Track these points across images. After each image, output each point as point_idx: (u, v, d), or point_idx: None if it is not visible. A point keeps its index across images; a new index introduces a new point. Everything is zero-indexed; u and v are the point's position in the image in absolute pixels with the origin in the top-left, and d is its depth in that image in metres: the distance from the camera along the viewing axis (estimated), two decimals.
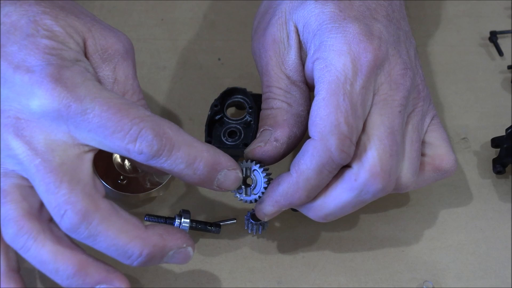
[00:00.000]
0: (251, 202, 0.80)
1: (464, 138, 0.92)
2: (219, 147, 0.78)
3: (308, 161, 0.75)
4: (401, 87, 0.78)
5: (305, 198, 0.77)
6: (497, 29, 0.99)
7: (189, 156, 0.74)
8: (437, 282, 0.83)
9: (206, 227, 0.84)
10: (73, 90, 0.71)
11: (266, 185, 0.79)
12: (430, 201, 0.88)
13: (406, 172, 0.78)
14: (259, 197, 0.79)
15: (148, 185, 0.85)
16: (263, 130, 0.80)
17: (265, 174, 0.79)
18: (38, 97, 0.71)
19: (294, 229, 0.86)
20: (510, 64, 0.97)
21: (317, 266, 0.84)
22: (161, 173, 0.83)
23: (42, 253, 0.73)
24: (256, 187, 0.79)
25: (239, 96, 0.88)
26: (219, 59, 0.97)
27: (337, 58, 0.76)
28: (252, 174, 0.79)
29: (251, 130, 0.83)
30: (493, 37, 0.98)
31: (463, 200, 0.88)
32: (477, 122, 0.93)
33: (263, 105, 0.81)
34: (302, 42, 0.80)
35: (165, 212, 0.86)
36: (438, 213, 0.88)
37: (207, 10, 1.00)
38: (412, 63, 0.80)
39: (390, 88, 0.77)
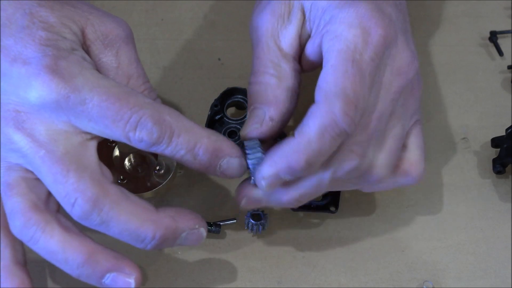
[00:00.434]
0: (249, 169, 0.77)
1: (464, 138, 0.92)
2: None
3: (311, 123, 0.73)
4: (403, 76, 0.77)
5: (305, 164, 0.73)
6: (497, 29, 0.99)
7: (189, 142, 0.73)
8: (437, 282, 0.84)
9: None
10: (71, 80, 0.71)
11: (262, 150, 0.76)
12: (430, 201, 0.88)
13: (382, 162, 0.77)
14: (258, 159, 0.76)
15: (148, 185, 0.85)
16: (254, 108, 0.78)
17: (259, 142, 0.77)
18: (35, 89, 0.72)
19: (294, 229, 0.86)
20: (510, 64, 0.97)
21: (317, 266, 0.84)
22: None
23: (50, 244, 0.73)
24: (252, 154, 0.77)
25: (239, 96, 0.88)
26: (219, 59, 0.97)
27: (347, 29, 0.75)
28: (246, 144, 0.77)
29: None
30: (493, 37, 0.98)
31: (463, 200, 0.88)
32: (477, 122, 0.93)
33: (251, 78, 0.79)
34: (308, 21, 0.79)
35: None
36: (438, 213, 0.88)
37: (207, 10, 1.00)
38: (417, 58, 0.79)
39: (390, 73, 0.77)
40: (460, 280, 0.84)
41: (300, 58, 0.80)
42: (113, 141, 0.85)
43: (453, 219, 0.87)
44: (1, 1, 0.75)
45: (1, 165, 0.75)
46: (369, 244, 0.86)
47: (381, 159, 0.77)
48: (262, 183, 0.75)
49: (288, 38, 0.79)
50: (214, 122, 0.87)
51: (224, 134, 0.85)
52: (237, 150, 0.76)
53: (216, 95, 0.88)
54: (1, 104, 0.73)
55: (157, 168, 0.85)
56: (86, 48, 0.76)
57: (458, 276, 0.84)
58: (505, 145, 0.88)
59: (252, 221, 0.84)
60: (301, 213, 0.86)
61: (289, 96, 0.78)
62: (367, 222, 0.87)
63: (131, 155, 0.85)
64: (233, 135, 0.85)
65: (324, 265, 0.84)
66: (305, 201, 0.78)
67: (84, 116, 0.72)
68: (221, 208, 0.87)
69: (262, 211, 0.85)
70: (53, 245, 0.73)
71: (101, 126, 0.72)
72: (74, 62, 0.73)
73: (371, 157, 0.76)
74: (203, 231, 0.76)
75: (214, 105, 0.88)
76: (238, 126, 0.86)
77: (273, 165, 0.74)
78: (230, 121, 0.87)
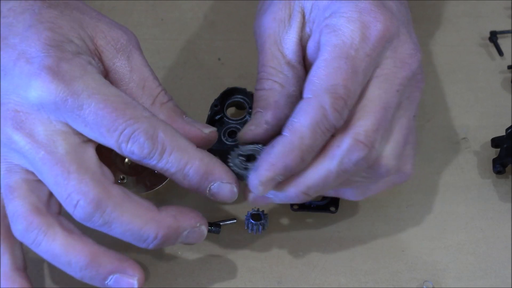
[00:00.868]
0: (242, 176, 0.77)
1: (464, 138, 0.92)
2: (219, 147, 0.78)
3: (302, 119, 0.74)
4: (406, 67, 0.77)
5: (300, 160, 0.74)
6: (497, 29, 0.99)
7: (180, 161, 0.74)
8: (437, 282, 0.83)
9: None
10: (71, 84, 0.71)
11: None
12: (430, 201, 0.88)
13: (390, 154, 0.77)
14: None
15: (148, 185, 0.85)
16: (255, 112, 0.79)
17: (260, 145, 0.77)
18: (35, 89, 0.72)
19: (294, 229, 0.86)
20: (510, 64, 0.97)
21: (317, 266, 0.84)
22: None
23: (53, 247, 0.73)
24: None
25: (239, 96, 0.88)
26: (219, 59, 0.97)
27: (345, 24, 0.75)
28: (249, 151, 0.77)
29: None
30: (493, 37, 0.98)
31: (463, 200, 0.88)
32: (477, 122, 0.93)
33: (256, 85, 0.80)
34: (308, 22, 0.79)
35: None
36: (438, 213, 0.87)
37: (207, 10, 1.00)
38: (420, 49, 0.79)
39: (394, 65, 0.77)
40: (460, 280, 0.84)
41: (304, 60, 0.80)
42: None
43: (453, 219, 0.87)
44: (12, 1, 0.75)
45: (2, 167, 0.75)
46: (369, 244, 0.86)
47: (388, 150, 0.77)
48: (260, 189, 0.75)
49: (290, 43, 0.79)
50: (214, 122, 0.87)
51: (224, 134, 0.85)
52: (230, 176, 0.76)
53: (216, 95, 0.88)
54: (1, 104, 0.73)
55: None
56: (98, 54, 0.76)
57: (458, 276, 0.84)
58: (505, 145, 0.88)
59: (252, 221, 0.84)
60: (301, 213, 0.86)
61: (289, 102, 0.78)
62: (367, 222, 0.87)
63: None
64: (233, 135, 0.85)
65: (324, 265, 0.84)
66: (313, 194, 0.77)
67: (81, 121, 0.72)
68: (221, 208, 0.87)
69: (262, 211, 0.85)
70: (56, 248, 0.73)
71: (96, 133, 0.72)
72: (77, 65, 0.73)
73: (379, 148, 0.76)
74: (204, 229, 0.77)
75: (214, 105, 0.88)
76: (238, 126, 0.86)
77: (270, 169, 0.74)
78: (230, 121, 0.87)
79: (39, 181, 0.74)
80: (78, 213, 0.72)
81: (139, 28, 0.98)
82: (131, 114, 0.72)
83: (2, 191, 0.75)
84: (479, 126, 0.93)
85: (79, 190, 0.72)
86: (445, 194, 0.89)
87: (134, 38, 0.78)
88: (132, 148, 0.72)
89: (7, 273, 0.75)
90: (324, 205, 0.85)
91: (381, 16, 0.75)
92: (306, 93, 0.75)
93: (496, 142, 0.89)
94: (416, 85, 0.79)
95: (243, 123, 0.84)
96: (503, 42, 0.98)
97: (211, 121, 0.87)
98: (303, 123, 0.74)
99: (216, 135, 0.79)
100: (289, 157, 0.74)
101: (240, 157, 0.78)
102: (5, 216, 0.76)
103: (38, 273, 0.83)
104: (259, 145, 0.78)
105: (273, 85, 0.79)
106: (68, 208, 0.72)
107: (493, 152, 0.91)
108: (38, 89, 0.71)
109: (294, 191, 0.76)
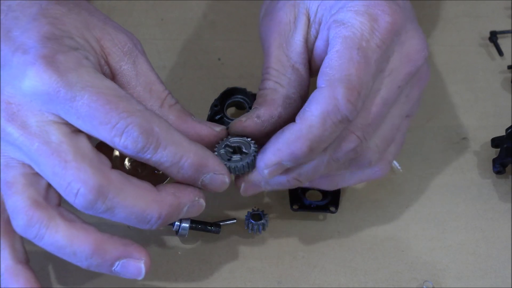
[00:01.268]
0: (248, 165, 0.77)
1: (464, 138, 0.92)
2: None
3: (313, 107, 0.74)
4: (411, 63, 0.77)
5: (307, 149, 0.74)
6: (497, 29, 0.99)
7: (175, 155, 0.74)
8: (437, 282, 0.83)
9: (206, 227, 0.84)
10: (64, 75, 0.71)
11: (255, 147, 0.77)
12: (430, 201, 0.88)
13: (374, 147, 0.78)
14: (255, 152, 0.77)
15: None
16: (253, 108, 0.79)
17: (250, 139, 0.78)
18: (28, 78, 0.72)
19: (294, 229, 0.86)
20: (510, 64, 0.97)
21: (317, 266, 0.84)
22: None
23: (56, 239, 0.73)
24: (246, 149, 0.77)
25: (239, 96, 0.88)
26: (219, 59, 0.97)
27: (354, 16, 0.75)
28: (236, 143, 0.78)
29: None
30: (493, 37, 0.98)
31: (463, 200, 0.88)
32: (477, 122, 0.93)
33: (259, 86, 0.80)
34: (313, 23, 0.79)
35: None
36: (438, 213, 0.88)
37: (207, 10, 1.00)
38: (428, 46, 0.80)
39: (400, 60, 0.77)
40: (460, 280, 0.84)
41: (310, 62, 0.80)
42: None
43: (453, 219, 0.87)
44: None
45: (0, 161, 0.75)
46: (369, 244, 0.86)
47: (375, 144, 0.78)
48: (265, 172, 0.76)
49: (295, 46, 0.79)
50: (214, 122, 0.87)
51: None
52: (222, 167, 0.76)
53: (216, 95, 0.88)
54: None
55: None
56: (105, 56, 0.76)
57: (458, 276, 0.84)
58: (505, 145, 0.88)
59: (252, 221, 0.84)
60: (301, 213, 0.86)
61: (286, 103, 0.78)
62: (367, 222, 0.87)
63: None
64: (228, 136, 0.85)
65: (324, 265, 0.84)
66: (304, 181, 0.77)
67: (73, 113, 0.72)
68: (221, 208, 0.87)
69: (262, 211, 0.85)
70: (59, 240, 0.73)
71: (88, 126, 0.72)
72: (72, 58, 0.73)
73: (369, 141, 0.77)
74: (202, 202, 0.77)
75: (214, 105, 0.88)
76: None
77: (276, 154, 0.75)
78: (230, 121, 0.87)
79: (36, 174, 0.74)
80: (79, 202, 0.72)
81: (139, 28, 0.98)
82: (124, 107, 0.72)
83: (1, 187, 0.75)
84: (479, 126, 0.93)
85: (78, 179, 0.71)
86: (445, 194, 0.89)
87: (139, 43, 0.78)
88: (126, 142, 0.72)
89: (10, 266, 0.75)
90: (324, 205, 0.85)
91: (388, 9, 0.76)
92: (320, 83, 0.74)
93: (496, 142, 0.90)
94: (417, 83, 0.79)
95: None
96: (503, 42, 0.98)
97: (211, 121, 0.87)
98: (313, 112, 0.73)
99: (226, 132, 0.79)
100: (296, 145, 0.74)
101: (227, 148, 0.78)
102: (4, 211, 0.75)
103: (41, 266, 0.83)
104: (248, 139, 0.78)
105: (274, 86, 0.79)
106: (69, 197, 0.72)
107: (493, 152, 0.91)
108: (32, 78, 0.71)
109: (286, 177, 0.77)
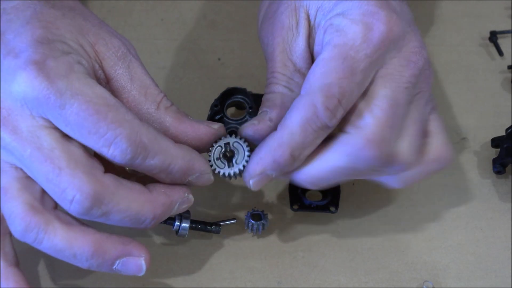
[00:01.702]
0: (235, 174, 0.78)
1: (464, 138, 0.92)
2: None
3: (293, 115, 0.75)
4: (412, 65, 0.77)
5: (289, 157, 0.75)
6: (497, 29, 0.99)
7: (163, 163, 0.74)
8: (437, 282, 0.83)
9: (206, 227, 0.84)
10: (55, 81, 0.71)
11: (249, 153, 0.78)
12: (430, 201, 0.88)
13: (407, 149, 0.76)
14: (244, 165, 0.78)
15: None
16: (261, 112, 0.79)
17: (247, 144, 0.78)
18: (18, 84, 0.71)
19: (294, 229, 0.86)
20: (510, 64, 0.97)
21: (317, 266, 0.84)
22: None
23: (55, 243, 0.73)
24: (239, 158, 0.78)
25: (239, 96, 0.88)
26: (219, 59, 0.97)
27: (349, 25, 0.76)
28: (232, 146, 0.79)
29: None
30: (493, 37, 0.98)
31: (463, 200, 0.88)
32: (477, 122, 0.93)
33: (265, 90, 0.80)
34: (313, 27, 0.79)
35: None
36: (438, 213, 0.88)
37: (207, 10, 1.00)
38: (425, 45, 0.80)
39: (400, 64, 0.77)
40: (460, 280, 0.84)
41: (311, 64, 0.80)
42: None
43: (453, 219, 0.87)
44: (17, 0, 0.75)
45: None
46: (369, 244, 0.86)
47: (404, 146, 0.77)
48: (250, 182, 0.77)
49: (299, 51, 0.79)
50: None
51: None
52: (207, 167, 0.77)
53: (216, 95, 0.88)
54: None
55: None
56: (99, 61, 0.76)
57: (458, 276, 0.84)
58: (505, 145, 0.88)
59: (252, 221, 0.84)
60: (301, 213, 0.86)
61: None
62: (367, 222, 0.87)
63: None
64: (233, 135, 0.85)
65: (324, 265, 0.84)
66: (322, 185, 0.78)
67: (62, 120, 0.72)
68: (221, 208, 0.87)
69: (262, 211, 0.85)
70: (58, 243, 0.73)
71: (76, 134, 0.72)
72: (63, 63, 0.72)
73: (392, 145, 0.76)
74: (191, 196, 0.78)
75: (214, 105, 0.88)
76: (238, 126, 0.86)
77: (259, 162, 0.76)
78: (230, 121, 0.87)
79: (30, 177, 0.74)
80: (75, 208, 0.72)
81: (139, 28, 0.98)
82: (113, 118, 0.72)
83: None
84: (479, 126, 0.93)
85: (73, 186, 0.71)
86: (445, 194, 0.89)
87: (132, 48, 0.78)
88: (114, 153, 0.72)
89: (0, 269, 0.75)
90: (324, 205, 0.85)
91: (384, 18, 0.76)
92: (301, 90, 0.76)
93: (496, 142, 0.89)
94: (425, 80, 0.79)
95: (243, 123, 0.84)
96: (503, 42, 0.98)
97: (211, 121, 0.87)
98: (293, 120, 0.75)
99: (224, 129, 0.79)
100: (278, 152, 0.75)
101: (222, 152, 0.78)
102: None
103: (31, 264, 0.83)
104: (241, 140, 0.78)
105: (283, 90, 0.79)
106: (63, 204, 0.72)
107: (493, 152, 0.91)
108: (22, 84, 0.71)
109: (303, 179, 0.78)
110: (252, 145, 0.79)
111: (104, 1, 1.00)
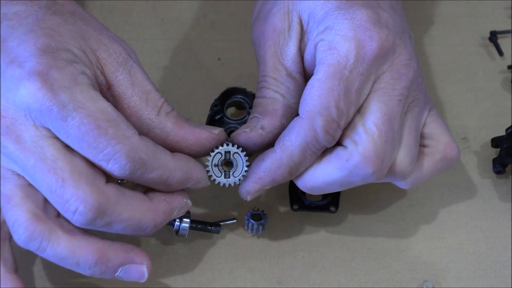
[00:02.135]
0: (229, 185, 0.79)
1: (464, 138, 0.92)
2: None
3: (293, 138, 0.76)
4: (403, 77, 0.78)
5: (288, 175, 0.78)
6: (497, 29, 0.99)
7: (161, 177, 0.75)
8: (437, 282, 0.83)
9: (206, 227, 0.84)
10: (58, 93, 0.71)
11: (247, 169, 0.79)
12: (430, 201, 0.88)
13: (403, 159, 0.78)
14: (240, 180, 0.79)
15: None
16: (252, 117, 0.80)
17: (246, 158, 0.79)
18: (22, 94, 0.71)
19: (294, 229, 0.86)
20: (510, 64, 0.97)
21: (317, 266, 0.84)
22: None
23: (59, 251, 0.73)
24: (237, 171, 0.79)
25: (239, 96, 0.88)
26: (219, 59, 0.97)
27: (341, 42, 0.76)
28: (232, 157, 0.79)
29: None
30: (493, 37, 0.98)
31: (463, 200, 0.88)
32: (477, 122, 0.93)
33: (256, 94, 0.81)
34: (306, 32, 0.79)
35: None
36: (438, 213, 0.88)
37: (207, 10, 1.00)
38: (415, 55, 0.80)
39: (392, 77, 0.77)
40: (460, 280, 0.84)
41: (304, 70, 0.80)
42: None
43: (453, 219, 0.87)
44: (18, 6, 0.75)
45: None
46: (369, 244, 0.86)
47: (400, 156, 0.78)
48: (247, 197, 0.79)
49: (291, 55, 0.80)
50: (214, 122, 0.87)
51: None
52: (204, 174, 0.78)
53: (216, 95, 0.88)
54: None
55: None
56: (100, 67, 0.75)
57: (458, 276, 0.84)
58: (505, 145, 0.88)
59: (252, 221, 0.84)
60: (301, 213, 0.86)
61: (288, 113, 0.79)
62: (367, 222, 0.87)
63: None
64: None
65: (324, 265, 0.84)
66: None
67: (63, 131, 0.72)
68: (221, 208, 0.87)
69: (262, 211, 0.85)
70: (62, 251, 0.73)
71: (76, 146, 0.72)
72: (67, 74, 0.72)
73: (390, 159, 0.77)
74: (189, 201, 0.79)
75: (214, 105, 0.88)
76: (238, 126, 0.86)
77: (258, 182, 0.78)
78: (230, 121, 0.87)
79: (32, 185, 0.74)
80: (77, 219, 0.72)
81: (139, 28, 0.98)
82: (113, 134, 0.72)
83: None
84: (479, 126, 0.93)
85: (77, 197, 0.71)
86: (445, 194, 0.89)
87: (133, 53, 0.78)
88: (113, 168, 0.72)
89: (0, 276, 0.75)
90: (324, 205, 0.85)
91: (376, 35, 0.76)
92: (301, 112, 0.76)
93: (496, 142, 0.89)
94: (418, 88, 0.79)
95: (243, 123, 0.84)
96: (503, 42, 0.98)
97: (211, 121, 0.87)
98: (293, 143, 0.76)
99: (225, 134, 0.79)
100: (277, 173, 0.77)
101: (220, 160, 0.79)
102: None
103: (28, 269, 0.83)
104: (242, 153, 0.79)
105: (274, 95, 0.79)
106: (67, 214, 0.72)
107: (493, 152, 0.91)
108: (26, 94, 0.71)
109: (300, 184, 0.79)
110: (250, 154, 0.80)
111: (104, 1, 1.00)
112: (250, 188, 0.78)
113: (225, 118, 0.87)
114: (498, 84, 0.96)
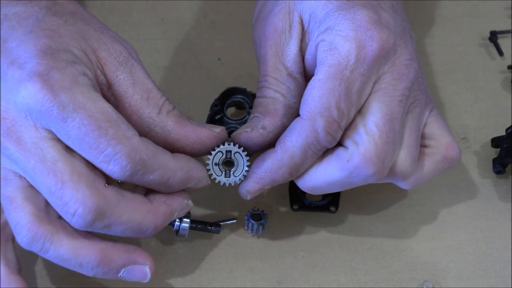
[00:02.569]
0: (230, 185, 0.79)
1: (464, 138, 0.92)
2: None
3: (294, 139, 0.76)
4: (404, 78, 0.78)
5: (288, 176, 0.78)
6: (497, 29, 0.99)
7: (162, 177, 0.75)
8: (437, 282, 0.84)
9: (206, 227, 0.84)
10: (58, 94, 0.71)
11: (247, 169, 0.79)
12: (430, 201, 0.88)
13: (404, 160, 0.78)
14: (240, 180, 0.79)
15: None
16: (253, 116, 0.80)
17: (247, 158, 0.79)
18: (22, 96, 0.71)
19: (294, 229, 0.86)
20: (510, 64, 0.97)
21: (317, 266, 0.84)
22: None
23: (61, 253, 0.73)
24: (237, 170, 0.79)
25: (239, 96, 0.88)
26: (219, 59, 0.97)
27: (342, 43, 0.76)
28: (233, 156, 0.79)
29: None
30: (493, 37, 0.98)
31: (463, 200, 0.88)
32: (477, 122, 0.93)
33: (257, 94, 0.81)
34: (307, 32, 0.79)
35: None
36: (438, 213, 0.88)
37: (207, 10, 1.00)
38: (416, 55, 0.80)
39: (393, 78, 0.77)
40: (460, 280, 0.84)
41: (304, 70, 0.80)
42: None
43: (453, 219, 0.87)
44: (18, 6, 0.75)
45: None
46: (369, 244, 0.86)
47: (401, 157, 0.78)
48: (248, 197, 0.79)
49: (291, 55, 0.80)
50: (214, 122, 0.87)
51: None
52: (205, 173, 0.78)
53: (216, 95, 0.88)
54: None
55: None
56: (101, 66, 0.75)
57: (458, 276, 0.84)
58: (505, 145, 0.88)
59: (252, 221, 0.84)
60: (301, 213, 0.86)
61: (288, 113, 0.79)
62: (367, 222, 0.87)
63: None
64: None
65: (324, 265, 0.84)
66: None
67: (64, 132, 0.71)
68: (221, 208, 0.87)
69: (262, 211, 0.85)
70: (64, 253, 0.73)
71: (77, 147, 0.72)
72: (68, 75, 0.72)
73: (391, 159, 0.77)
74: (190, 202, 0.79)
75: (214, 105, 0.88)
76: (238, 126, 0.86)
77: (259, 182, 0.78)
78: (230, 121, 0.87)
79: (33, 187, 0.74)
80: (77, 222, 0.72)
81: (139, 28, 0.98)
82: (113, 134, 0.72)
83: (1, 201, 0.74)
84: (479, 126, 0.93)
85: (76, 200, 0.71)
86: (445, 194, 0.89)
87: (134, 52, 0.78)
88: (114, 169, 0.72)
89: (3, 277, 0.75)
90: (324, 205, 0.85)
91: (377, 35, 0.76)
92: (302, 113, 0.76)
93: (496, 142, 0.89)
94: (419, 88, 0.79)
95: (243, 123, 0.84)
96: (503, 42, 0.98)
97: (211, 121, 0.87)
98: (294, 144, 0.76)
99: (226, 133, 0.79)
100: (278, 173, 0.78)
101: (221, 159, 0.79)
102: None
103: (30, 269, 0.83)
104: (243, 152, 0.79)
105: (275, 94, 0.79)
106: (66, 217, 0.72)
107: (493, 152, 0.91)
108: (26, 96, 0.71)
109: (301, 184, 0.79)
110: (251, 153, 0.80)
111: (104, 1, 1.00)
112: (251, 188, 0.79)
113: (225, 118, 0.87)
114: (498, 84, 0.96)
